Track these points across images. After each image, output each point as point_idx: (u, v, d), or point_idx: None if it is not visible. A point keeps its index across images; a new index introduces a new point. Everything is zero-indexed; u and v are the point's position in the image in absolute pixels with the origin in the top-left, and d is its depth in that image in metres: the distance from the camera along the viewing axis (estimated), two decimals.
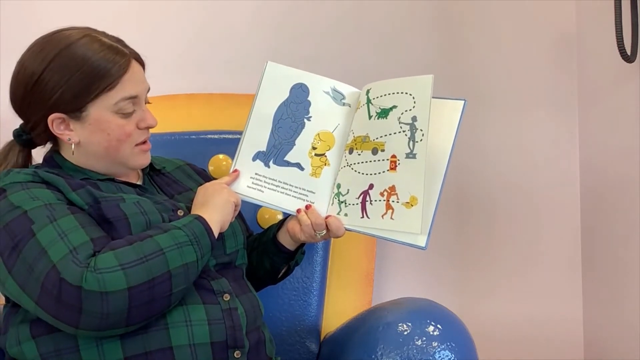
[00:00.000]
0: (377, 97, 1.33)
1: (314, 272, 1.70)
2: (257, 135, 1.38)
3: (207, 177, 1.48)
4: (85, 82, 1.22)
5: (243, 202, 1.33)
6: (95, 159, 1.28)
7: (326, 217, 1.34)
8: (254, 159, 1.37)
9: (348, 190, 1.33)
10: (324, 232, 1.34)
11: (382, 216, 1.29)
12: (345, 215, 1.33)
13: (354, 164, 1.33)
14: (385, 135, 1.30)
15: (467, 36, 1.98)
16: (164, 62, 1.82)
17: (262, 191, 1.36)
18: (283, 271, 1.48)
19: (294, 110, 1.38)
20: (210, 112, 1.77)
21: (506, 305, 2.00)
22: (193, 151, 1.66)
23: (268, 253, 1.43)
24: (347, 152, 1.35)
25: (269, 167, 1.37)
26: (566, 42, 1.99)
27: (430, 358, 1.23)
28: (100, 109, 1.24)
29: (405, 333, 1.26)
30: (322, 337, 1.66)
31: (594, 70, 1.94)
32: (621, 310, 1.85)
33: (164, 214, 1.25)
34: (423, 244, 1.26)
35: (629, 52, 1.71)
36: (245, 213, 1.48)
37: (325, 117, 1.38)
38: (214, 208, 1.25)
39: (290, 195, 1.36)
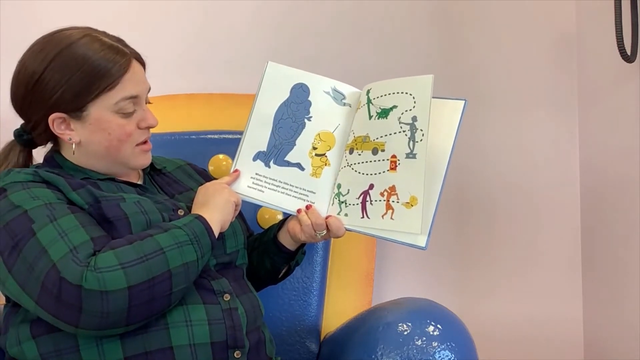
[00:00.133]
0: (378, 97, 1.33)
1: (314, 272, 1.70)
2: (257, 135, 1.38)
3: (208, 177, 1.48)
4: (86, 81, 1.22)
5: (243, 202, 1.33)
6: (95, 158, 1.28)
7: (326, 217, 1.34)
8: (254, 159, 1.37)
9: (348, 190, 1.33)
10: (325, 232, 1.34)
11: (382, 216, 1.29)
12: (346, 215, 1.33)
13: (355, 164, 1.33)
14: (386, 135, 1.30)
15: (467, 36, 1.98)
16: (164, 62, 1.82)
17: (263, 191, 1.36)
18: (284, 271, 1.48)
19: (295, 110, 1.38)
20: (210, 112, 1.77)
21: (506, 305, 2.00)
22: (193, 151, 1.66)
23: (268, 253, 1.43)
24: (347, 152, 1.35)
25: (269, 167, 1.37)
26: (566, 42, 1.99)
27: (430, 358, 1.23)
28: (101, 109, 1.24)
29: (405, 333, 1.26)
30: (322, 337, 1.66)
31: (594, 70, 1.94)
32: (621, 310, 1.85)
33: (165, 213, 1.25)
34: (423, 244, 1.26)
35: (629, 52, 1.71)
36: (246, 213, 1.48)
37: (326, 117, 1.38)
38: (214, 208, 1.25)
39: (290, 195, 1.36)
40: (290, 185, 1.36)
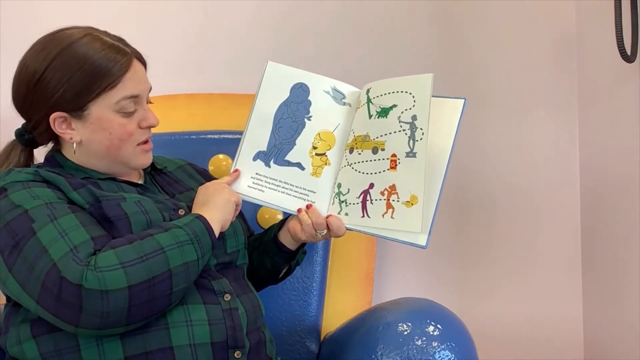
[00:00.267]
0: (377, 97, 1.33)
1: (314, 272, 1.70)
2: (257, 135, 1.38)
3: (209, 177, 1.48)
4: (87, 80, 1.22)
5: (243, 202, 1.33)
6: (96, 158, 1.28)
7: (327, 217, 1.34)
8: (254, 159, 1.37)
9: (349, 189, 1.33)
10: (325, 231, 1.34)
11: (383, 215, 1.29)
12: (346, 214, 1.33)
13: (355, 163, 1.33)
14: (386, 134, 1.30)
15: (467, 36, 1.98)
16: (164, 62, 1.81)
17: (263, 191, 1.36)
18: (284, 271, 1.48)
19: (295, 110, 1.38)
20: (210, 112, 1.77)
21: (506, 305, 2.00)
22: (193, 151, 1.66)
23: (269, 253, 1.43)
24: (347, 151, 1.35)
25: (269, 166, 1.37)
26: (566, 42, 2.00)
27: (430, 358, 1.23)
28: (102, 108, 1.24)
29: (405, 333, 1.26)
30: (322, 337, 1.66)
31: (594, 70, 1.94)
32: (621, 310, 1.85)
33: (165, 213, 1.25)
34: (424, 243, 1.26)
35: (629, 52, 1.71)
36: (246, 213, 1.48)
37: (326, 116, 1.38)
38: (214, 207, 1.25)
39: (291, 194, 1.36)
40: (291, 184, 1.36)
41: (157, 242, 1.14)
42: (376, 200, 1.30)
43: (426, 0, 1.96)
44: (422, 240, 1.26)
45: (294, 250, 1.43)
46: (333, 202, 1.35)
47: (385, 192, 1.29)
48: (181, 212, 1.28)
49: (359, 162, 1.32)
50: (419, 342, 1.24)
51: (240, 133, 1.38)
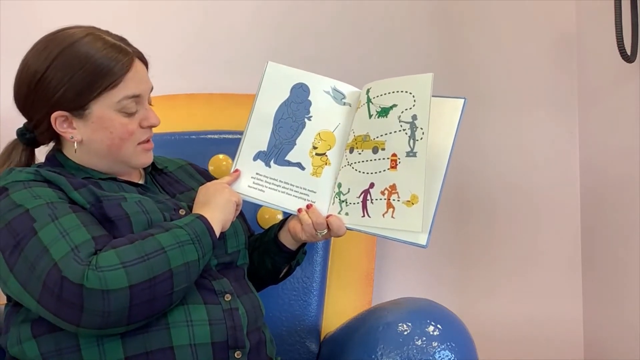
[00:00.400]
0: (377, 96, 1.33)
1: (314, 272, 1.70)
2: (257, 135, 1.38)
3: (209, 177, 1.48)
4: (88, 80, 1.22)
5: (243, 202, 1.33)
6: (97, 157, 1.28)
7: (327, 217, 1.34)
8: (254, 159, 1.37)
9: (349, 189, 1.33)
10: (325, 231, 1.34)
11: (383, 215, 1.29)
12: (346, 214, 1.33)
13: (355, 163, 1.33)
14: (386, 134, 1.30)
15: (467, 36, 1.98)
16: (164, 62, 1.80)
17: (263, 191, 1.36)
18: (284, 271, 1.48)
19: (295, 110, 1.38)
20: (210, 112, 1.77)
21: (506, 305, 2.00)
22: (193, 151, 1.66)
23: (269, 253, 1.43)
24: (347, 151, 1.35)
25: (269, 166, 1.37)
26: (566, 42, 2.00)
27: (430, 358, 1.23)
28: (103, 107, 1.24)
29: (405, 333, 1.26)
30: (322, 337, 1.66)
31: (594, 70, 1.94)
32: (621, 310, 1.85)
33: (166, 213, 1.25)
34: (424, 243, 1.26)
35: (629, 52, 1.71)
36: (246, 213, 1.47)
37: (326, 116, 1.38)
38: (215, 207, 1.25)
39: (291, 194, 1.36)
40: (291, 184, 1.36)
41: (158, 242, 1.14)
42: (376, 199, 1.30)
43: (426, 0, 1.96)
44: (422, 239, 1.26)
45: (295, 250, 1.43)
46: (333, 202, 1.35)
47: (386, 192, 1.29)
48: (182, 212, 1.28)
49: (359, 162, 1.32)
50: (419, 342, 1.24)
51: (240, 133, 1.38)
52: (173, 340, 1.17)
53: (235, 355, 1.21)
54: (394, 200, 1.28)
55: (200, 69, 1.89)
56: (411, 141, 1.27)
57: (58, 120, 1.24)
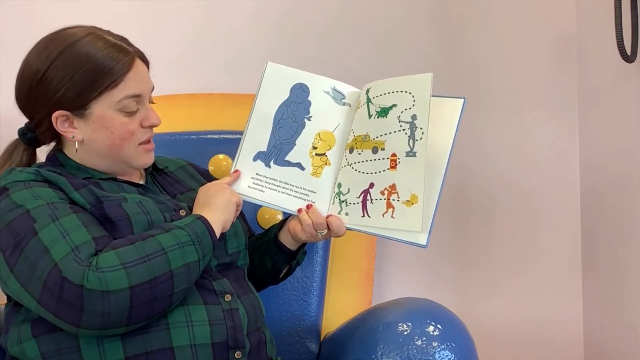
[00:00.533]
0: (377, 96, 1.33)
1: (314, 272, 1.70)
2: (257, 135, 1.38)
3: (210, 178, 1.48)
4: (89, 79, 1.22)
5: (243, 202, 1.33)
6: (98, 157, 1.28)
7: (327, 217, 1.34)
8: (254, 159, 1.37)
9: (349, 189, 1.33)
10: (325, 231, 1.34)
11: (383, 215, 1.29)
12: (346, 214, 1.33)
13: (355, 163, 1.33)
14: (386, 134, 1.30)
15: (467, 36, 1.98)
16: (164, 62, 1.80)
17: (263, 191, 1.36)
18: (284, 271, 1.48)
19: (295, 110, 1.38)
20: (210, 112, 1.77)
21: (506, 305, 2.00)
22: (193, 151, 1.66)
23: (269, 253, 1.43)
24: (347, 151, 1.35)
25: (269, 167, 1.37)
26: (566, 42, 2.00)
27: (430, 358, 1.23)
28: (104, 107, 1.24)
29: (405, 333, 1.26)
30: (322, 337, 1.66)
31: (594, 70, 1.94)
32: (621, 310, 1.85)
33: (166, 213, 1.25)
34: (424, 242, 1.26)
35: (629, 52, 1.71)
36: (246, 213, 1.47)
37: (326, 116, 1.38)
38: (215, 208, 1.25)
39: (291, 195, 1.36)
40: (291, 185, 1.36)
41: (159, 242, 1.14)
42: (376, 199, 1.30)
43: (426, 0, 1.96)
44: (422, 239, 1.26)
45: (295, 250, 1.43)
46: (333, 202, 1.35)
47: (386, 192, 1.29)
48: (182, 212, 1.28)
49: (359, 162, 1.33)
50: (419, 342, 1.24)
51: (240, 133, 1.38)
52: (173, 340, 1.17)
53: (236, 355, 1.21)
54: (393, 200, 1.28)
55: (200, 69, 1.89)
56: (411, 141, 1.27)
57: (59, 119, 1.24)
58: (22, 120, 1.30)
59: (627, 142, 1.80)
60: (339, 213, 1.34)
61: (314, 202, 1.35)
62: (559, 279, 2.01)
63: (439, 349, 1.24)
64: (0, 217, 1.15)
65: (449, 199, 1.92)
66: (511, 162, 2.00)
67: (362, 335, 1.33)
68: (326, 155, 1.37)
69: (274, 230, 1.44)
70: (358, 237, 1.55)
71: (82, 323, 1.09)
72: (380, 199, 1.29)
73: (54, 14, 1.80)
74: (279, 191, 1.36)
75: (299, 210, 1.35)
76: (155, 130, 1.32)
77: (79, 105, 1.23)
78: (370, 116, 1.33)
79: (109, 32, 1.28)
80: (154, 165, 1.38)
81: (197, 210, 1.25)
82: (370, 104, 1.34)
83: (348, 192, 1.33)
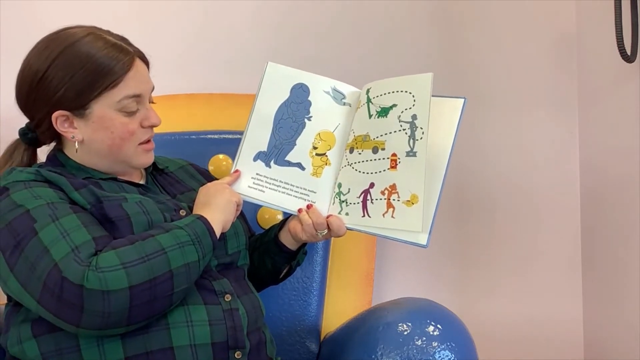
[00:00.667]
0: (377, 96, 1.33)
1: (314, 272, 1.70)
2: (257, 135, 1.38)
3: (210, 178, 1.48)
4: (89, 79, 1.22)
5: (244, 202, 1.33)
6: (98, 157, 1.28)
7: (327, 217, 1.34)
8: (254, 159, 1.37)
9: (349, 189, 1.33)
10: (326, 231, 1.34)
11: (383, 215, 1.29)
12: (347, 214, 1.33)
13: (355, 163, 1.33)
14: (386, 134, 1.30)
15: (467, 36, 1.98)
16: (164, 62, 1.80)
17: (263, 191, 1.36)
18: (285, 271, 1.48)
19: (295, 110, 1.38)
20: (210, 112, 1.77)
21: (506, 305, 2.00)
22: (193, 151, 1.66)
23: (270, 253, 1.43)
24: (347, 151, 1.35)
25: (270, 167, 1.37)
26: (566, 42, 2.00)
27: (430, 358, 1.23)
28: (104, 107, 1.24)
29: (405, 333, 1.26)
30: (322, 337, 1.66)
31: (594, 70, 1.94)
32: (621, 310, 1.85)
33: (166, 213, 1.25)
34: (424, 242, 1.26)
35: (629, 52, 1.71)
36: (246, 213, 1.47)
37: (326, 116, 1.38)
38: (215, 208, 1.25)
39: (291, 195, 1.36)
40: (291, 185, 1.36)
41: (159, 242, 1.14)
42: (377, 199, 1.30)
43: (426, 0, 1.96)
44: (422, 239, 1.26)
45: (295, 250, 1.43)
46: (333, 202, 1.35)
47: (386, 192, 1.29)
48: (182, 212, 1.28)
49: (359, 162, 1.33)
50: (419, 342, 1.24)
51: (241, 133, 1.38)
52: (173, 340, 1.17)
53: (236, 355, 1.21)
54: (394, 200, 1.28)
55: (200, 69, 1.89)
56: (411, 141, 1.27)
57: (59, 119, 1.24)
58: (22, 120, 1.30)
59: (627, 142, 1.80)
60: (339, 213, 1.34)
61: (314, 202, 1.35)
62: (559, 279, 2.01)
63: (439, 349, 1.24)
64: (0, 217, 1.16)
65: (449, 199, 1.92)
66: (511, 162, 2.00)
67: (362, 335, 1.33)
68: (326, 155, 1.37)
69: (274, 230, 1.44)
70: (358, 237, 1.55)
71: (82, 323, 1.09)
72: (381, 199, 1.29)
73: (54, 14, 1.80)
74: (279, 191, 1.36)
75: (299, 210, 1.35)
76: (155, 130, 1.32)
77: (79, 105, 1.23)
78: (370, 116, 1.33)
79: (109, 32, 1.28)
80: (154, 165, 1.38)
81: (197, 210, 1.25)
82: (370, 104, 1.34)
83: (348, 192, 1.33)
